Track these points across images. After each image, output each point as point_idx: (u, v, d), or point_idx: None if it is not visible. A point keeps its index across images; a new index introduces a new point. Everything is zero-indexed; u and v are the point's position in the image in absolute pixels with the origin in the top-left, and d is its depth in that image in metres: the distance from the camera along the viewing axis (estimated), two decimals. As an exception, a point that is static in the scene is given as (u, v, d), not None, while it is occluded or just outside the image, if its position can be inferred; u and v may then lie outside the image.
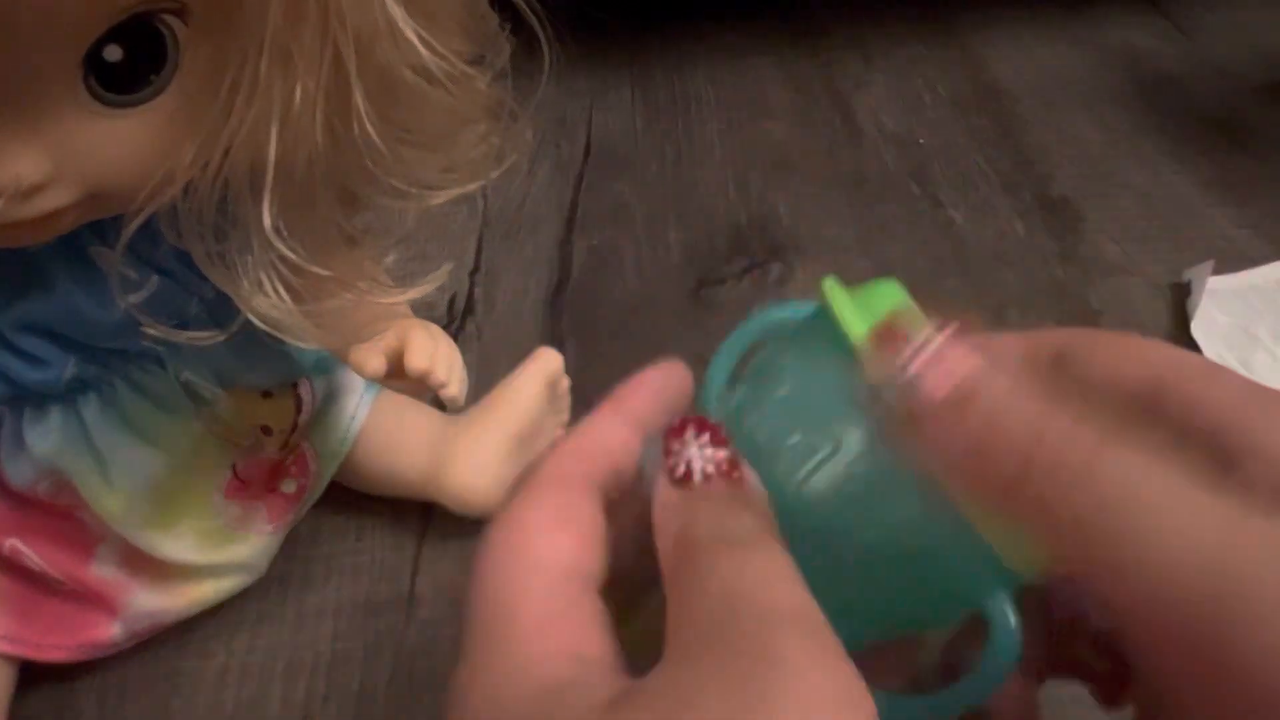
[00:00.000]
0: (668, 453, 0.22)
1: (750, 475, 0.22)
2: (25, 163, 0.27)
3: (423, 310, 0.53)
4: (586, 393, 0.57)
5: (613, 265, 0.68)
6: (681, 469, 0.21)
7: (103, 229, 0.34)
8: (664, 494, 0.21)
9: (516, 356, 0.53)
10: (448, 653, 0.45)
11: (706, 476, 0.21)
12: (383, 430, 0.49)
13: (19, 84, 0.27)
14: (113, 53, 0.27)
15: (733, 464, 0.21)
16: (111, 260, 0.33)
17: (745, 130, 0.82)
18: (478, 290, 0.66)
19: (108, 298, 0.34)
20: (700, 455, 0.21)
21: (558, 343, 0.60)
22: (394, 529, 0.51)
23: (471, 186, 0.36)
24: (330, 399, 0.48)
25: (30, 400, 0.38)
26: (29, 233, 0.30)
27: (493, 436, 0.49)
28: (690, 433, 0.22)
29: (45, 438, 0.38)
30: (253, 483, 0.45)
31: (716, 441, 0.22)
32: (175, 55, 0.28)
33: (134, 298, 0.35)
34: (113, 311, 0.35)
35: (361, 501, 0.51)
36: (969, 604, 0.22)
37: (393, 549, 0.50)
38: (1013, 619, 0.22)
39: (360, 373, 0.40)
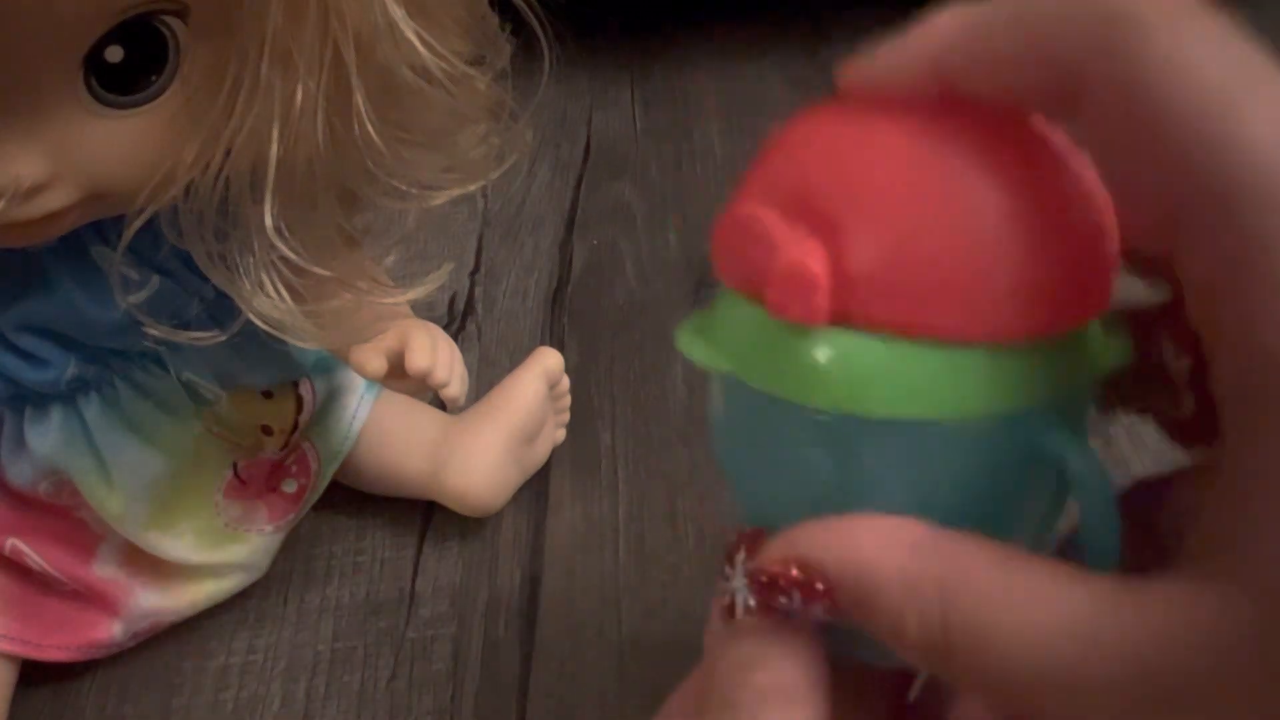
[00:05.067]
0: (719, 577, 0.19)
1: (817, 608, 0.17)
2: (25, 163, 0.28)
3: (423, 310, 0.53)
4: (587, 393, 0.57)
5: (613, 265, 0.68)
6: (726, 600, 0.18)
7: (104, 229, 0.34)
8: (713, 627, 0.19)
9: (516, 356, 0.53)
10: (448, 653, 0.46)
11: (748, 610, 0.18)
12: (383, 430, 0.49)
13: (19, 84, 0.27)
14: (113, 53, 0.27)
15: (784, 587, 0.17)
16: (112, 260, 0.33)
17: (745, 130, 0.82)
18: (478, 290, 0.66)
19: (108, 298, 0.34)
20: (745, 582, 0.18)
21: (558, 343, 0.61)
22: (394, 529, 0.51)
23: (471, 186, 0.36)
24: (331, 399, 0.48)
25: (31, 400, 0.38)
26: (30, 233, 0.30)
27: (493, 436, 0.49)
28: (741, 554, 0.18)
29: (46, 437, 0.38)
30: (253, 482, 0.45)
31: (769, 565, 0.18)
32: (176, 56, 0.28)
33: (135, 298, 0.35)
34: (113, 311, 0.35)
35: (361, 501, 0.51)
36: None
37: (393, 549, 0.50)
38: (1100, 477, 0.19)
39: (361, 373, 0.40)
